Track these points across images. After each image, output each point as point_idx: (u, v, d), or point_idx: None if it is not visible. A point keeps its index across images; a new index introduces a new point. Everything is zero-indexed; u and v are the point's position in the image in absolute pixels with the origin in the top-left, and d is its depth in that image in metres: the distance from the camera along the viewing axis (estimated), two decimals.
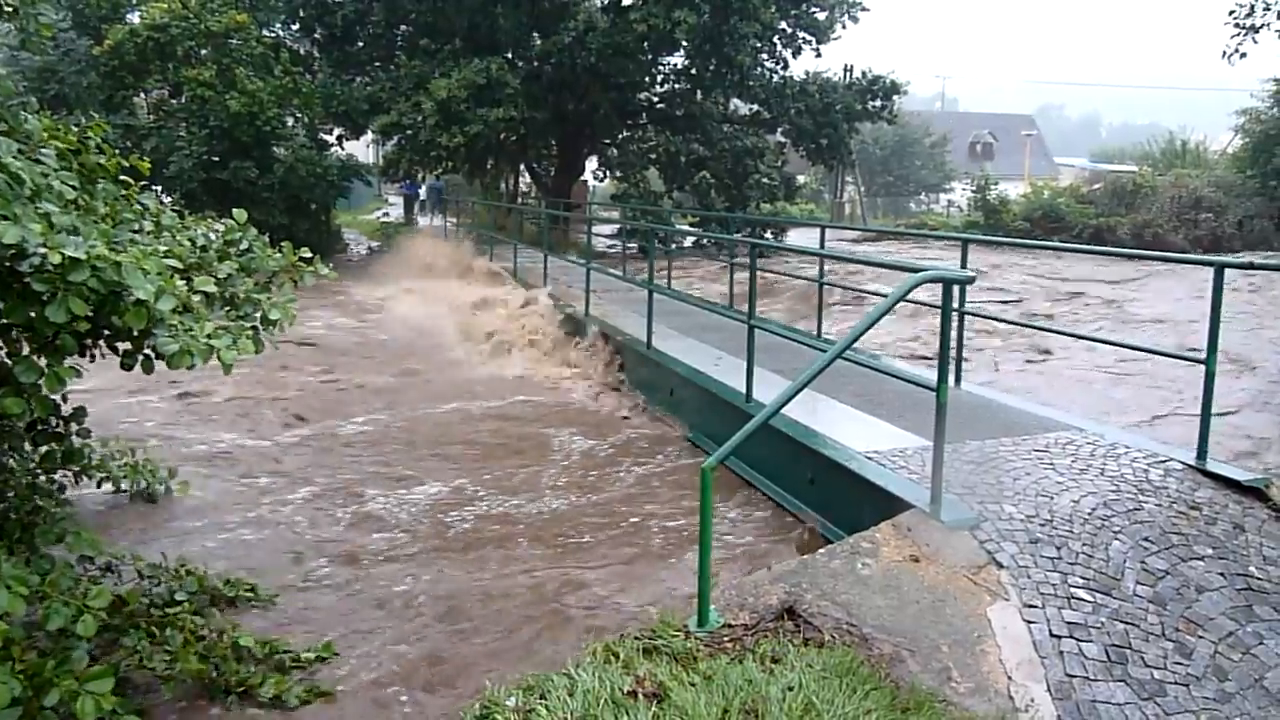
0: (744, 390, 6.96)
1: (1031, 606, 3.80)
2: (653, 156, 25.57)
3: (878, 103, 25.70)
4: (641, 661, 3.38)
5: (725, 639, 3.62)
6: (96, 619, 3.20)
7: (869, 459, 5.45)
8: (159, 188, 19.50)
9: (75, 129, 4.14)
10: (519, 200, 30.63)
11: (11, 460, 4.14)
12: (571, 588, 5.14)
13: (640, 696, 3.12)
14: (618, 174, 28.26)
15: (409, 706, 4.01)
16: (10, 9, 4.26)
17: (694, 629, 3.66)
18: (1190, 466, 5.07)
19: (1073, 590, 3.90)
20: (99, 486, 5.86)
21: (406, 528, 6.04)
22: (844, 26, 26.70)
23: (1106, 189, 33.87)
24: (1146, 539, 4.28)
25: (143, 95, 22.80)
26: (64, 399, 3.99)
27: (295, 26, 25.32)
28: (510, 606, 4.90)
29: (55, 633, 3.18)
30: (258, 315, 3.71)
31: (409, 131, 21.93)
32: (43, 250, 2.86)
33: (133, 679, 3.84)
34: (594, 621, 4.70)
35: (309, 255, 4.24)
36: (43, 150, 3.51)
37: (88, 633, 3.13)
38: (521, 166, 29.77)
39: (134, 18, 21.91)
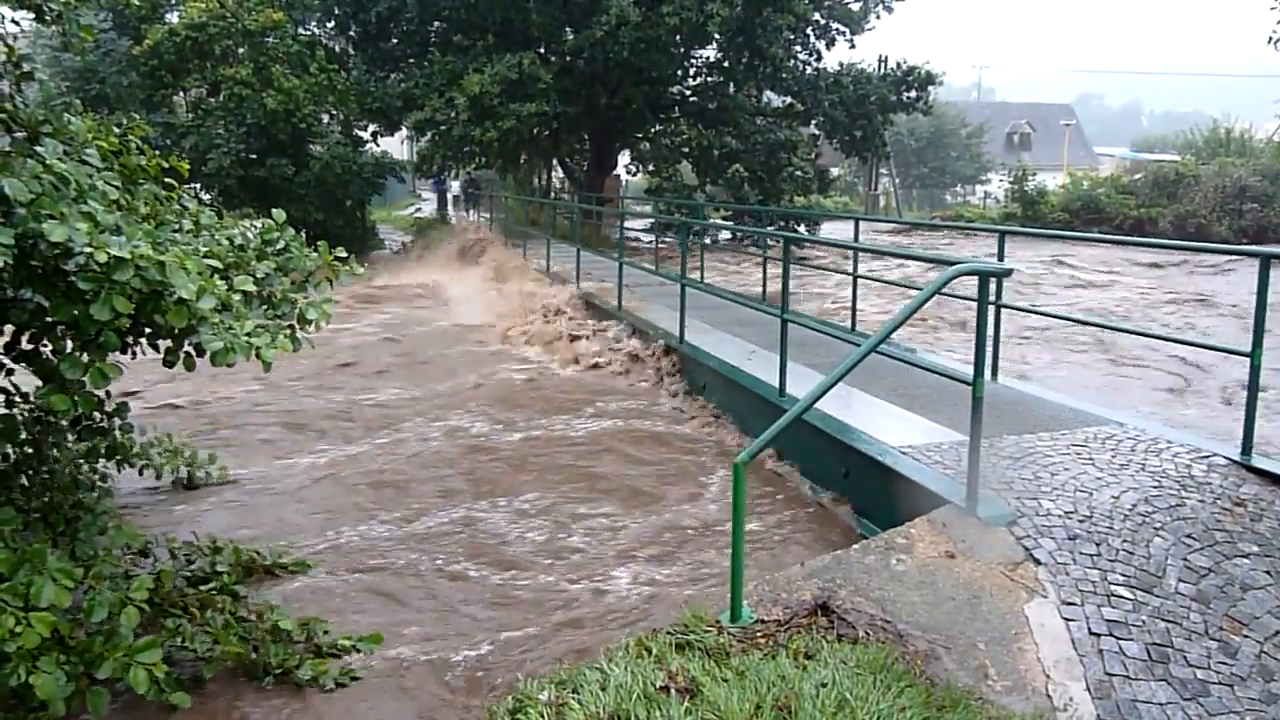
0: (777, 385, 6.93)
1: (1070, 604, 3.75)
2: (685, 150, 25.51)
3: (913, 93, 25.43)
4: (674, 656, 3.39)
5: (758, 634, 3.62)
6: (139, 609, 3.27)
7: (904, 454, 5.41)
8: (197, 185, 19.79)
9: (117, 129, 4.21)
10: (551, 195, 30.71)
11: (56, 454, 4.23)
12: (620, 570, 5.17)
13: (673, 692, 3.13)
14: (650, 168, 28.23)
15: (444, 694, 4.04)
16: (54, 12, 4.33)
17: (727, 624, 3.66)
18: (1234, 462, 4.98)
19: (1113, 588, 3.85)
20: (140, 474, 5.97)
21: (449, 508, 6.12)
22: (878, 17, 26.53)
23: (1148, 179, 33.33)
24: (1189, 535, 4.21)
25: (181, 94, 23.15)
26: (107, 394, 4.06)
27: (330, 24, 25.57)
28: (545, 596, 4.92)
29: (101, 621, 3.25)
30: (295, 314, 3.76)
31: (442, 127, 22.06)
32: (88, 249, 2.91)
33: (173, 658, 3.92)
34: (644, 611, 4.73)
35: (344, 255, 4.28)
36: (87, 151, 3.57)
37: (131, 624, 3.20)
38: (554, 161, 29.84)
39: (173, 18, 22.23)
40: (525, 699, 3.22)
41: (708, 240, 22.08)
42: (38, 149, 3.17)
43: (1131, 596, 3.81)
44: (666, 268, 13.96)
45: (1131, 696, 3.35)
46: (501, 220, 25.07)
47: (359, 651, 4.24)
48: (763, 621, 3.70)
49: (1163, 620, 3.70)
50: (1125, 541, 4.15)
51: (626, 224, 18.60)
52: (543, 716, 3.07)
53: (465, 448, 7.54)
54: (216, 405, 9.00)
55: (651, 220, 22.29)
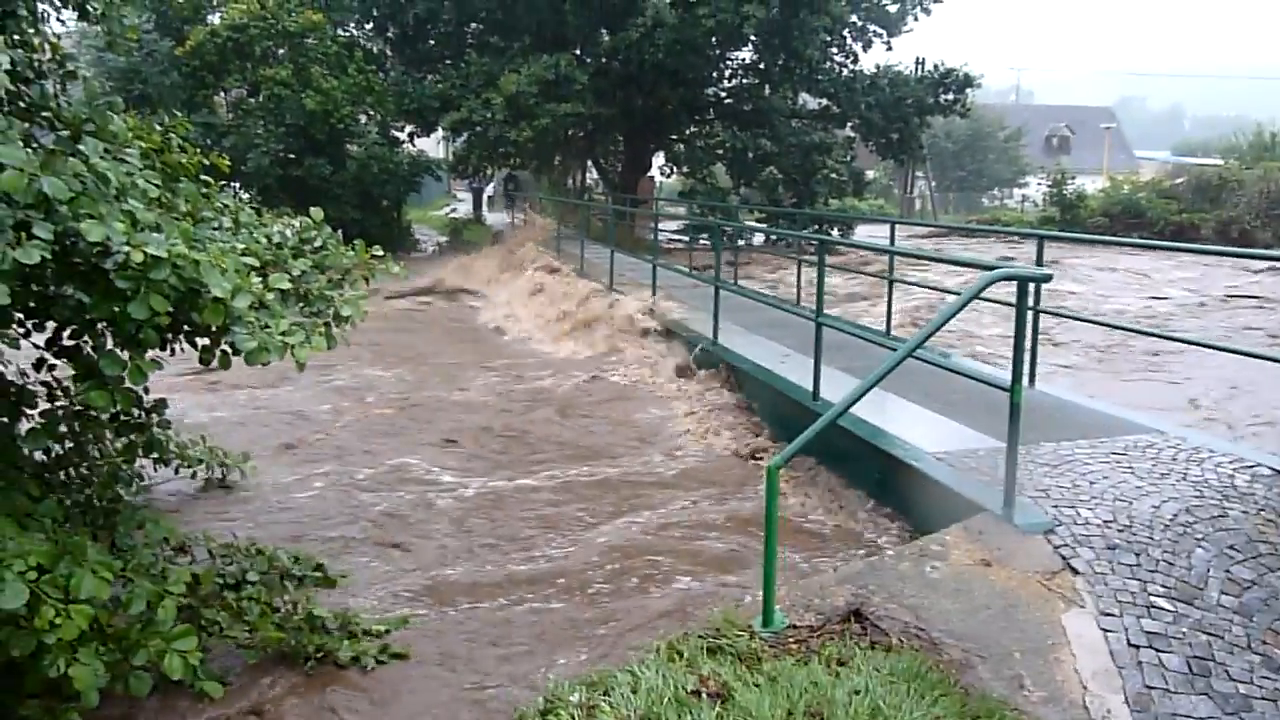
0: (811, 388, 6.89)
1: (1109, 615, 3.69)
2: (720, 152, 25.46)
3: (950, 96, 25.18)
4: (705, 661, 3.37)
5: (790, 640, 3.59)
6: (175, 601, 3.31)
7: (939, 460, 5.35)
8: (237, 184, 20.08)
9: (158, 128, 4.27)
10: (586, 196, 30.79)
11: (95, 450, 4.29)
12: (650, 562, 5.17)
13: (704, 696, 3.11)
14: (685, 170, 28.20)
15: (475, 696, 4.05)
16: (98, 12, 4.40)
17: (759, 629, 3.64)
18: (1279, 472, 4.87)
19: (1152, 599, 3.77)
20: (176, 472, 6.05)
21: (476, 504, 6.14)
22: (915, 19, 26.27)
23: (1190, 183, 32.78)
24: (1232, 547, 4.12)
25: (222, 94, 23.48)
26: (145, 391, 4.12)
27: (369, 25, 25.80)
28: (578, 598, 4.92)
29: (139, 613, 3.30)
30: (330, 312, 3.79)
31: (478, 128, 22.18)
32: (126, 248, 2.95)
33: (211, 649, 3.98)
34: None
35: (380, 253, 4.31)
36: (127, 150, 3.62)
37: (168, 616, 3.24)
38: (589, 162, 29.91)
39: (214, 19, 22.55)
40: (556, 700, 3.22)
41: (741, 243, 22.00)
42: (80, 148, 3.21)
43: (1172, 608, 3.73)
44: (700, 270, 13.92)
45: (1171, 710, 3.28)
46: (550, 225, 24.94)
47: (391, 632, 4.32)
48: (795, 627, 3.67)
49: (1204, 633, 3.62)
50: (1166, 552, 4.06)
51: (660, 226, 18.51)
52: (573, 718, 3.07)
53: None
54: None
55: (685, 222, 22.25)
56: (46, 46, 4.19)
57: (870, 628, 3.65)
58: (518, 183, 32.13)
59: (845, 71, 25.48)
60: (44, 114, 3.86)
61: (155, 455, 4.64)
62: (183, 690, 3.50)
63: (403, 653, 4.24)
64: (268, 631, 3.99)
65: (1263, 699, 3.34)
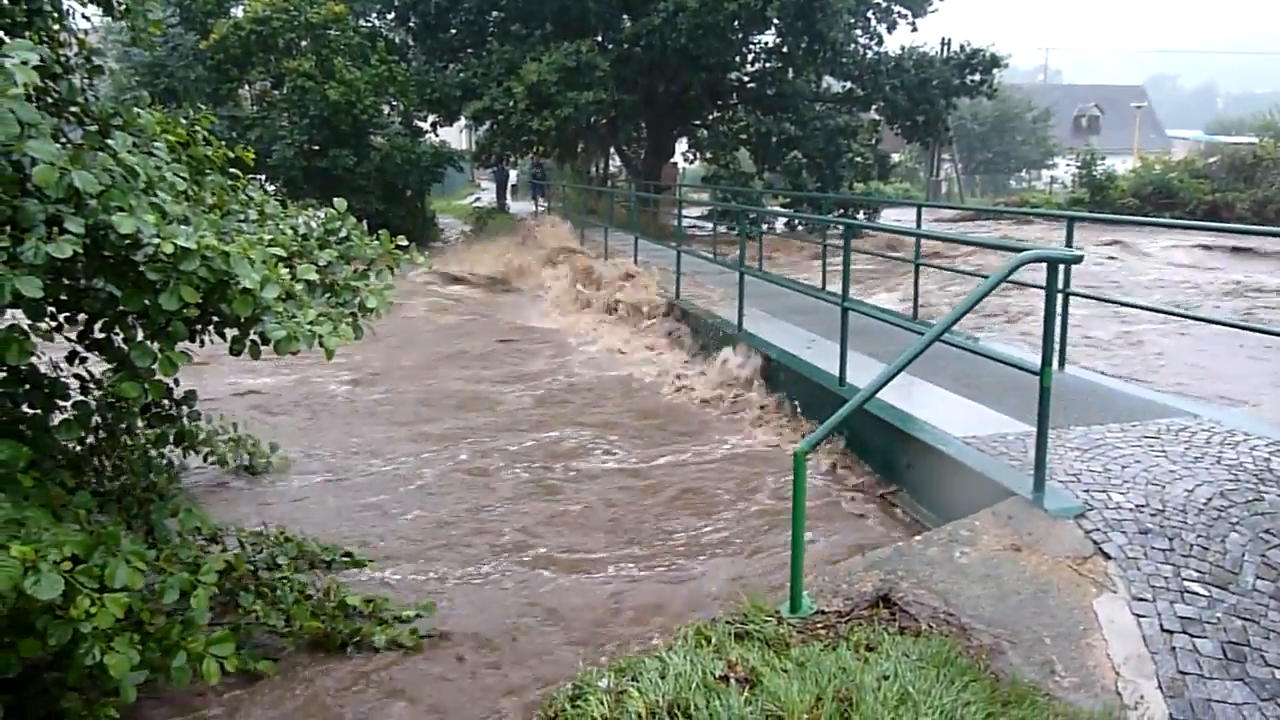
0: (837, 374, 6.85)
1: (1141, 600, 3.65)
2: (743, 137, 25.34)
3: (977, 77, 24.92)
4: (733, 646, 3.37)
5: (818, 625, 3.58)
6: (208, 590, 3.35)
7: (968, 444, 5.31)
8: (262, 176, 20.21)
9: (184, 122, 4.30)
10: (609, 183, 30.72)
11: (128, 440, 4.34)
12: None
13: (732, 681, 3.11)
14: (708, 155, 28.10)
15: (506, 681, 4.07)
16: (122, 7, 4.43)
17: (786, 614, 3.63)
18: None
19: (1186, 584, 3.73)
20: (205, 460, 6.12)
21: (510, 491, 6.19)
22: None
23: (1223, 163, 32.23)
24: (1268, 531, 4.06)
25: (247, 87, 23.62)
26: (176, 382, 4.16)
27: (390, 16, 25.85)
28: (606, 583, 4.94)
29: (172, 603, 3.34)
30: (357, 302, 3.81)
31: (500, 116, 22.19)
32: (156, 240, 2.98)
33: (251, 635, 4.05)
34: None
35: (405, 243, 4.32)
36: (154, 144, 3.65)
37: (201, 605, 3.28)
38: (611, 149, 29.85)
39: (237, 12, 22.66)
40: (585, 686, 3.23)
41: (765, 228, 21.91)
42: (108, 142, 3.24)
43: (1206, 593, 3.69)
44: (725, 256, 13.86)
45: (1206, 696, 3.24)
46: (560, 209, 24.98)
47: (420, 617, 4.39)
48: (823, 612, 3.66)
49: (1239, 618, 3.57)
50: (1199, 536, 4.01)
51: (685, 212, 18.43)
52: (602, 704, 3.08)
53: None
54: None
55: (709, 208, 22.15)
56: (73, 42, 4.22)
57: (899, 613, 3.63)
58: (544, 170, 31.99)
59: (869, 54, 25.26)
60: (72, 109, 3.90)
61: (185, 445, 4.69)
62: (223, 682, 3.56)
63: (436, 633, 4.32)
64: (305, 619, 4.06)
65: None
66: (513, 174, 34.38)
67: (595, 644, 4.31)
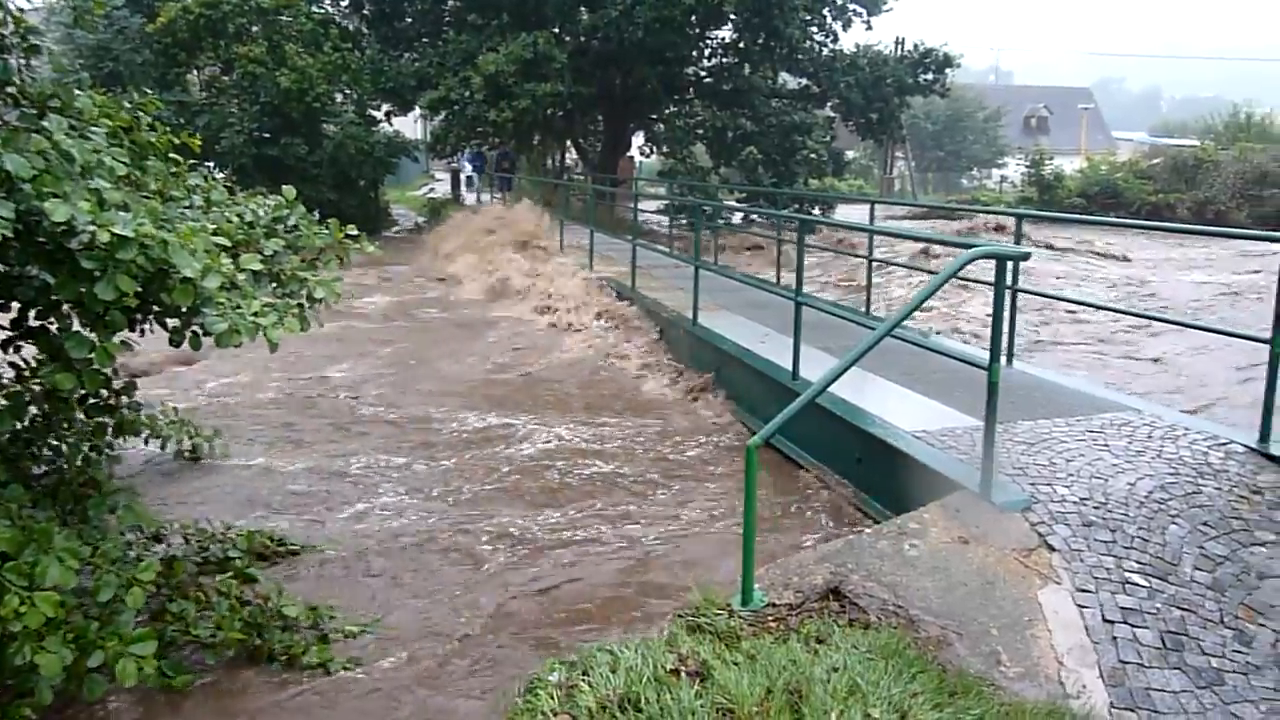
0: (790, 368, 6.88)
1: (1084, 591, 3.71)
2: (700, 132, 25.37)
3: (930, 76, 25.21)
4: (685, 639, 3.37)
5: (769, 618, 3.59)
6: (145, 590, 3.26)
7: (917, 438, 5.36)
8: (212, 164, 19.79)
9: (128, 106, 4.18)
10: (565, 176, 30.56)
11: (65, 433, 4.22)
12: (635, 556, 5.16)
13: (683, 675, 3.10)
14: (664, 150, 28.09)
15: (456, 679, 4.03)
16: None
17: (738, 608, 3.64)
18: (1252, 449, 4.91)
19: (1127, 575, 3.80)
20: (145, 444, 5.98)
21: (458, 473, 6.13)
22: None
23: (1166, 164, 32.97)
24: (1205, 523, 4.16)
25: (195, 72, 23.12)
26: (115, 373, 4.06)
27: (344, 3, 25.50)
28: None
29: (105, 602, 3.25)
30: (304, 293, 3.73)
31: (456, 107, 21.98)
32: (92, 228, 2.88)
33: (178, 643, 3.91)
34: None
35: (355, 233, 4.25)
36: (92, 128, 3.54)
37: (136, 604, 3.19)
38: (568, 142, 29.70)
39: None
40: (536, 680, 3.21)
41: (721, 222, 21.96)
42: (44, 124, 3.14)
43: (1146, 584, 3.76)
44: (681, 250, 13.87)
45: (1145, 684, 3.31)
46: (512, 202, 24.55)
47: (369, 634, 4.24)
48: (774, 605, 3.67)
49: (1178, 608, 3.65)
50: (1141, 529, 4.10)
51: (641, 206, 18.40)
52: (554, 698, 3.06)
53: None
54: None
55: (665, 202, 22.15)
56: (9, 20, 4.08)
57: (849, 605, 3.66)
58: (513, 161, 31.21)
59: (825, 51, 25.42)
60: (8, 90, 3.77)
61: (124, 435, 4.56)
62: (142, 688, 3.43)
63: (375, 619, 4.23)
64: (232, 631, 3.90)
65: (1235, 672, 3.37)
66: (467, 165, 34.01)
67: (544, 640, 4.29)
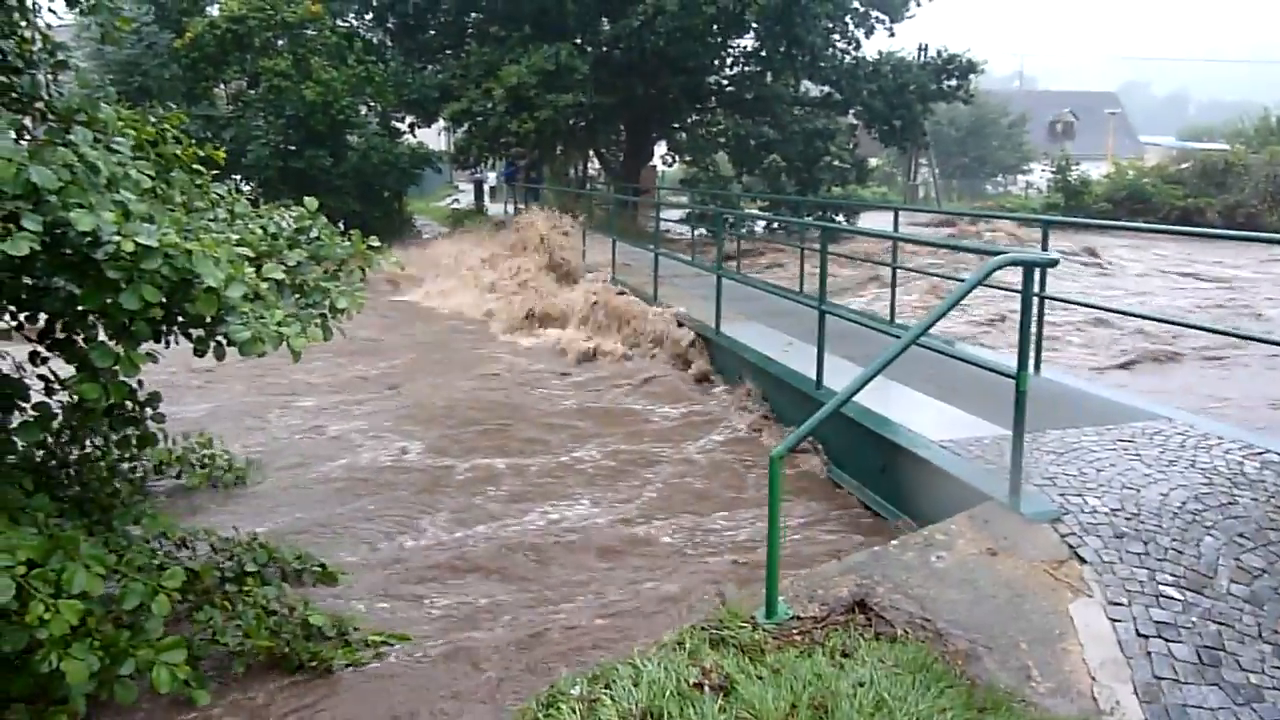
0: (814, 377, 6.83)
1: (1117, 604, 3.64)
2: (722, 140, 25.37)
3: (953, 82, 25.04)
4: (708, 652, 3.33)
5: (794, 631, 3.55)
6: (171, 598, 3.27)
7: (943, 448, 5.30)
8: (238, 176, 19.98)
9: (154, 120, 4.22)
10: (588, 186, 30.59)
11: (90, 443, 4.25)
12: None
13: (706, 689, 3.07)
14: (687, 158, 28.09)
15: (477, 692, 4.01)
16: (90, 3, 4.34)
17: (762, 620, 3.59)
18: None
19: (1161, 588, 3.73)
20: (178, 477, 5.99)
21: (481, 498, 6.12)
22: (918, 4, 26.17)
23: (1195, 168, 32.63)
24: (1241, 535, 4.07)
25: (222, 86, 23.35)
26: (140, 384, 4.07)
27: (368, 16, 25.68)
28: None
29: (132, 609, 3.25)
30: (326, 303, 3.74)
31: (479, 118, 22.07)
32: (117, 238, 2.90)
33: (202, 652, 3.92)
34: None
35: (377, 244, 4.26)
36: (116, 140, 3.57)
37: (162, 612, 3.19)
38: (590, 152, 29.75)
39: (213, 10, 22.42)
40: (558, 693, 3.18)
41: (744, 231, 21.91)
42: (70, 137, 3.17)
43: (1181, 597, 3.68)
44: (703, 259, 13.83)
45: (1181, 701, 3.23)
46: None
47: (391, 645, 4.23)
48: (799, 618, 3.62)
49: (1214, 622, 3.57)
50: (1174, 540, 4.01)
51: (663, 215, 18.36)
52: (575, 712, 3.03)
53: None
54: None
55: (687, 210, 22.09)
56: (37, 37, 4.13)
57: (875, 618, 3.60)
58: (540, 170, 31.00)
59: (848, 58, 25.33)
60: (36, 105, 3.82)
61: (151, 450, 4.58)
62: (169, 695, 3.44)
63: (403, 635, 4.22)
64: (260, 639, 3.91)
65: (1274, 689, 3.29)
66: (491, 176, 34.15)
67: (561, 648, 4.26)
